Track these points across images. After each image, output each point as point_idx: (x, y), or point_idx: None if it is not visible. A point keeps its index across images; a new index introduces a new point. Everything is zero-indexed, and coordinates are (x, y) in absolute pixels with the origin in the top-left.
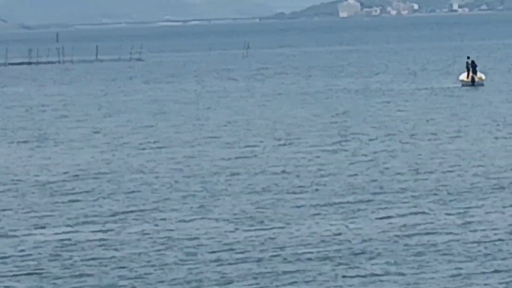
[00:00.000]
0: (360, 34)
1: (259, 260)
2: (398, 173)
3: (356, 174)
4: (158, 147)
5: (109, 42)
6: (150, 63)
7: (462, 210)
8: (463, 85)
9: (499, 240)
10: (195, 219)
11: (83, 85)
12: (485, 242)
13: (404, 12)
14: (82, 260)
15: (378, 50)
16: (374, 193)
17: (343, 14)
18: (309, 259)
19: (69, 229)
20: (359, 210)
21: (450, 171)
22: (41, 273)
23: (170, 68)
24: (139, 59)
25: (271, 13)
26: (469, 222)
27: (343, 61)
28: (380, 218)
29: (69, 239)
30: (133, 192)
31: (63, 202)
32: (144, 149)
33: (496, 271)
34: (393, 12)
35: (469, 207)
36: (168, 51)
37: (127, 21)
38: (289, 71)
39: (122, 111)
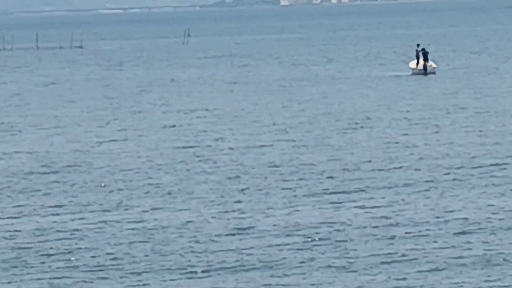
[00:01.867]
0: (302, 23)
1: (240, 248)
2: (354, 162)
3: (311, 164)
4: (112, 137)
5: (50, 30)
6: (90, 50)
7: (425, 200)
8: (413, 73)
9: (463, 231)
10: (168, 207)
11: (25, 72)
12: (456, 230)
13: (345, 0)
14: (54, 249)
15: (322, 38)
16: (332, 183)
17: (284, 2)
18: (289, 247)
19: (39, 219)
20: (308, 198)
21: (410, 160)
22: (15, 262)
23: (111, 56)
24: (80, 47)
25: (212, 1)
26: (437, 212)
27: (289, 48)
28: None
29: (42, 229)
30: (94, 181)
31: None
32: (102, 136)
33: (473, 257)
34: (334, 1)
35: (432, 197)
36: (109, 39)
37: (68, 9)
38: (232, 59)
39: (71, 99)
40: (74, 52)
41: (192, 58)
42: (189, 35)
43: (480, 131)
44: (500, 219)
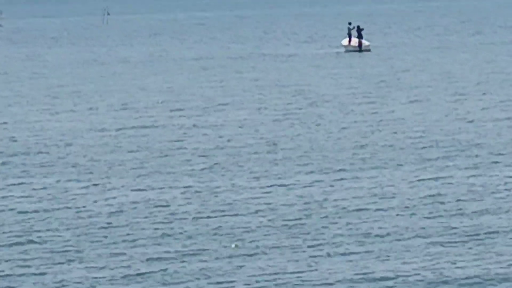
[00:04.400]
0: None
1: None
2: (297, 140)
3: (253, 143)
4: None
5: None
6: (8, 28)
7: (369, 180)
8: (347, 51)
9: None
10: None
11: None
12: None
13: None
14: (16, 231)
15: (250, 15)
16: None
17: None
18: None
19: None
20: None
21: (356, 137)
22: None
23: (30, 35)
24: None
25: None
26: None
27: (214, 27)
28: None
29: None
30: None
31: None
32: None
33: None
34: None
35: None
36: (26, 17)
37: None
38: (156, 38)
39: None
40: None
41: (112, 37)
42: (108, 13)
43: (422, 106)
44: (449, 192)
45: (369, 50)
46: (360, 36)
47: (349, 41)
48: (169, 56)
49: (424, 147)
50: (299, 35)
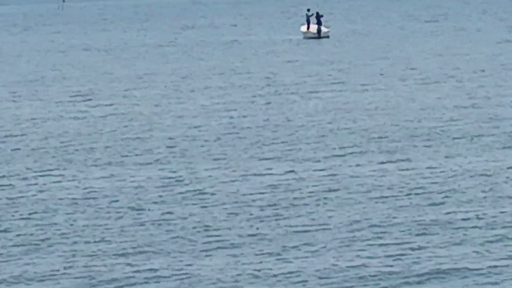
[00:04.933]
0: None
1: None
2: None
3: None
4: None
5: None
6: None
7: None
8: (305, 37)
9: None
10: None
11: None
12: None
13: None
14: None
15: (208, 2)
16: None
17: None
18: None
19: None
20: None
21: (318, 121)
22: None
23: None
24: None
25: None
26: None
27: (177, 12)
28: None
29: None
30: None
31: None
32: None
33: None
34: None
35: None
36: None
37: None
38: (114, 24)
39: None
40: None
41: (69, 24)
42: (63, 0)
43: (384, 93)
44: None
45: (328, 37)
46: (319, 23)
47: (308, 27)
48: (128, 43)
49: (387, 134)
50: (257, 22)
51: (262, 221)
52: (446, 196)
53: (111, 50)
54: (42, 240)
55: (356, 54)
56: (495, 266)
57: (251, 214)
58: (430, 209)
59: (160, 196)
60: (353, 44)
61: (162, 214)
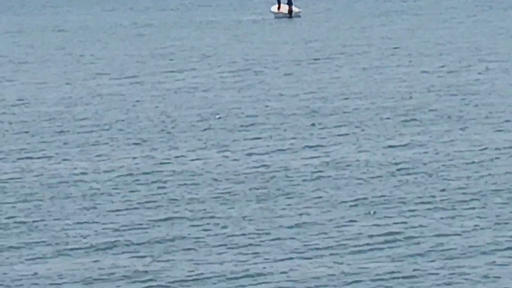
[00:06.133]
0: None
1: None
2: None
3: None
4: None
5: None
6: None
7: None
8: (276, 17)
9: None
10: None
11: None
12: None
13: None
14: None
15: None
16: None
17: None
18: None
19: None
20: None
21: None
22: None
23: None
24: None
25: None
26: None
27: None
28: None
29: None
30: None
31: None
32: None
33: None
34: None
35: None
36: None
37: None
38: (86, 5)
39: None
40: None
41: (40, 4)
42: None
43: (363, 68)
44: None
45: (299, 17)
46: (290, 3)
47: (279, 7)
48: (103, 24)
49: (369, 114)
50: (226, 2)
51: (250, 205)
52: (448, 174)
53: (84, 31)
54: (30, 224)
55: (330, 33)
56: (494, 243)
57: (240, 197)
58: (427, 187)
59: (146, 178)
60: (326, 23)
61: (150, 195)
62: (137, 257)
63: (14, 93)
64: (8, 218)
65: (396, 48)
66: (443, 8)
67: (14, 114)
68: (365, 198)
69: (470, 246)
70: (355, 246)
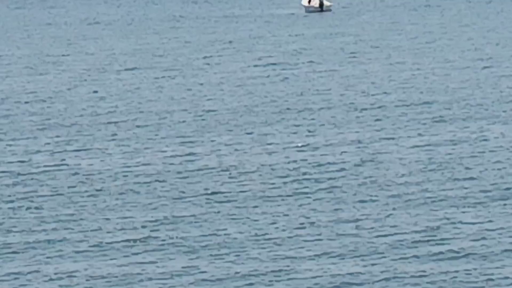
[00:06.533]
0: None
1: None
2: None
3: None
4: None
5: None
6: None
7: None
8: (307, 11)
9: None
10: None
11: None
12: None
13: None
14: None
15: None
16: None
17: None
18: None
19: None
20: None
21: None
22: None
23: None
24: None
25: None
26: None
27: None
28: None
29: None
30: None
31: None
32: None
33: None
34: None
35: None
36: None
37: None
38: None
39: None
40: None
41: None
42: None
43: (396, 64)
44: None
45: (330, 10)
46: None
47: (309, 1)
48: (135, 17)
49: (401, 109)
50: None
51: (287, 200)
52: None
53: (117, 24)
54: (67, 219)
55: (362, 27)
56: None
57: (276, 192)
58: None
59: (182, 173)
60: (358, 17)
61: (187, 191)
62: (172, 253)
63: (49, 87)
64: (44, 211)
65: (429, 42)
66: (476, 2)
67: (49, 107)
68: (402, 194)
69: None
70: (392, 243)
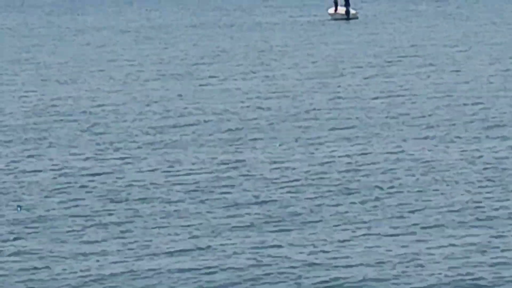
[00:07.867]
0: None
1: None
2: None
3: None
4: None
5: None
6: None
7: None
8: (333, 19)
9: None
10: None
11: None
12: None
13: None
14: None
15: None
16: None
17: None
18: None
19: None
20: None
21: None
22: None
23: None
24: None
25: None
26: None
27: None
28: None
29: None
30: None
31: None
32: None
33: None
34: None
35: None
36: None
37: None
38: (147, 4)
39: None
40: None
41: (100, 4)
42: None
43: (431, 71)
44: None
45: (356, 18)
46: (347, 4)
47: (336, 9)
48: (166, 24)
49: (431, 121)
50: (280, 4)
51: (329, 208)
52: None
53: (143, 30)
54: (111, 224)
55: (389, 36)
56: None
57: (320, 200)
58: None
59: (225, 180)
60: (383, 25)
61: (231, 199)
62: (211, 260)
63: (84, 93)
64: (87, 217)
65: (456, 53)
66: (505, 9)
67: (88, 113)
68: (449, 205)
69: None
70: (438, 256)
